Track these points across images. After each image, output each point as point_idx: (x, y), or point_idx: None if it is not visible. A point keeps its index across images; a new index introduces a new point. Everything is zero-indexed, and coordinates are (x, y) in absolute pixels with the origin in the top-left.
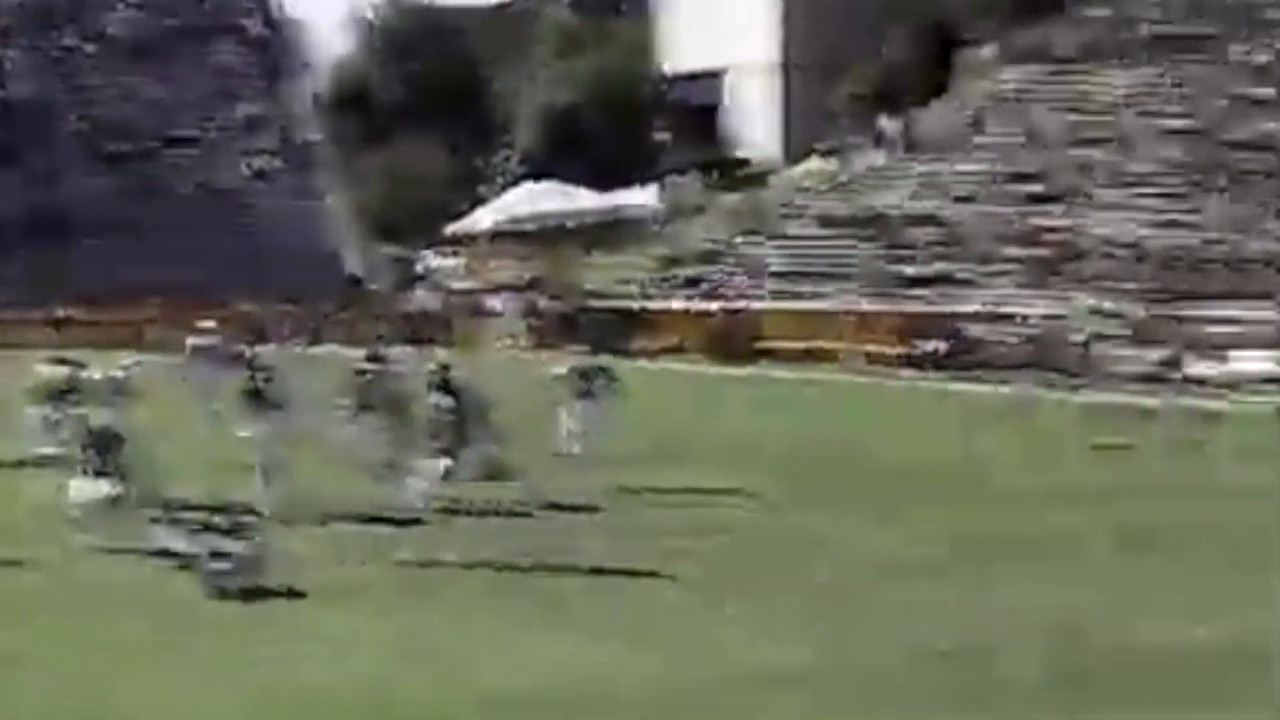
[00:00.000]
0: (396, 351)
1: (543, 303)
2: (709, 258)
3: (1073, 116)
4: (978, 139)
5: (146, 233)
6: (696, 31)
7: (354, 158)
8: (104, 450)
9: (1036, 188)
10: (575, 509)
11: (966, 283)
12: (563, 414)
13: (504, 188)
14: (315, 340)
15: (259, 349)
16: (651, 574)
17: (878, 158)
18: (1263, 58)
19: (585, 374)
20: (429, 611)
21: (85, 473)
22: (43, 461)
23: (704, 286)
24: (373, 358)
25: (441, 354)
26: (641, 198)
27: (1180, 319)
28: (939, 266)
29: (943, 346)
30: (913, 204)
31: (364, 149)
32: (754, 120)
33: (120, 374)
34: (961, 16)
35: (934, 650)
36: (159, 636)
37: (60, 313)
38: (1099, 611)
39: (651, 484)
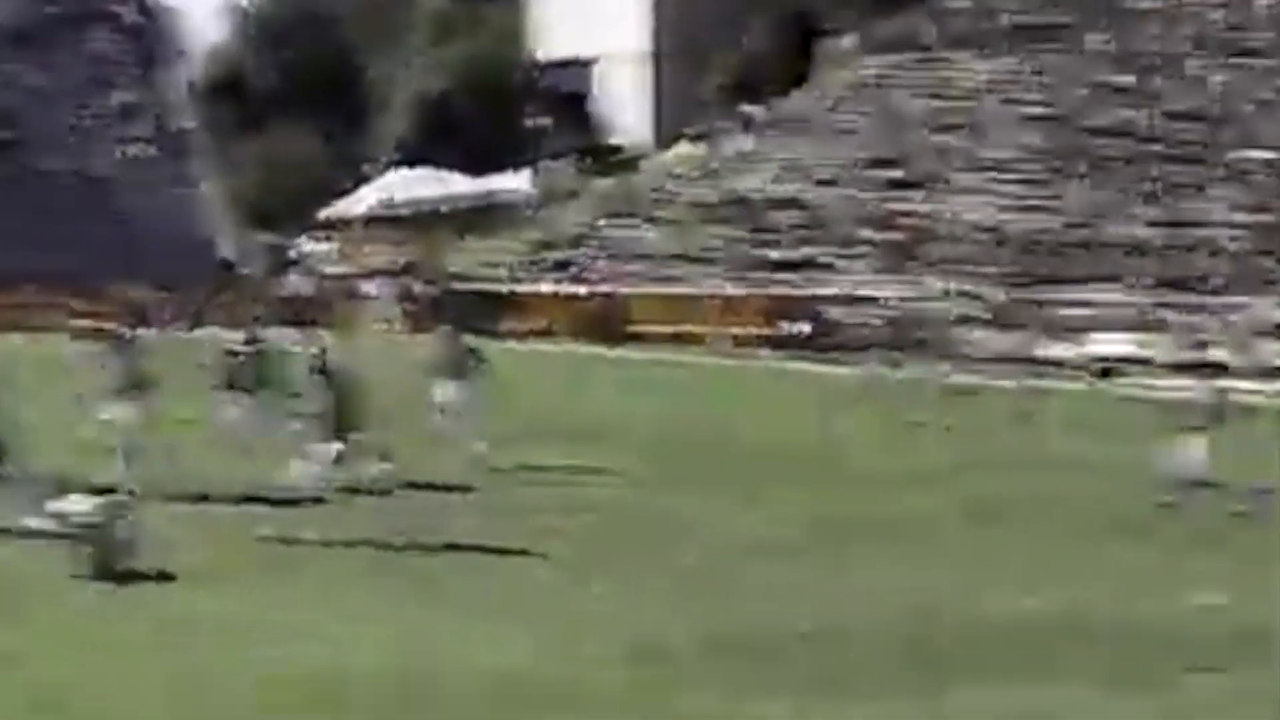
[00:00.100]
0: (279, 333)
1: (417, 287)
2: (580, 242)
3: (933, 104)
4: (839, 125)
5: (21, 219)
6: (568, 20)
7: (229, 145)
8: None
9: (897, 173)
10: (448, 489)
11: (828, 266)
12: (435, 395)
13: (378, 174)
14: (196, 324)
15: (139, 332)
16: (522, 552)
17: (744, 143)
18: (1120, 46)
19: (454, 355)
20: (302, 590)
21: None
22: None
23: (574, 270)
24: (250, 340)
25: (322, 338)
26: (514, 183)
27: (1039, 302)
28: (802, 250)
29: (806, 329)
30: (776, 189)
31: (238, 136)
32: (624, 107)
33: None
34: (822, 7)
35: (794, 630)
36: (25, 617)
37: None
38: (950, 588)
39: (522, 463)
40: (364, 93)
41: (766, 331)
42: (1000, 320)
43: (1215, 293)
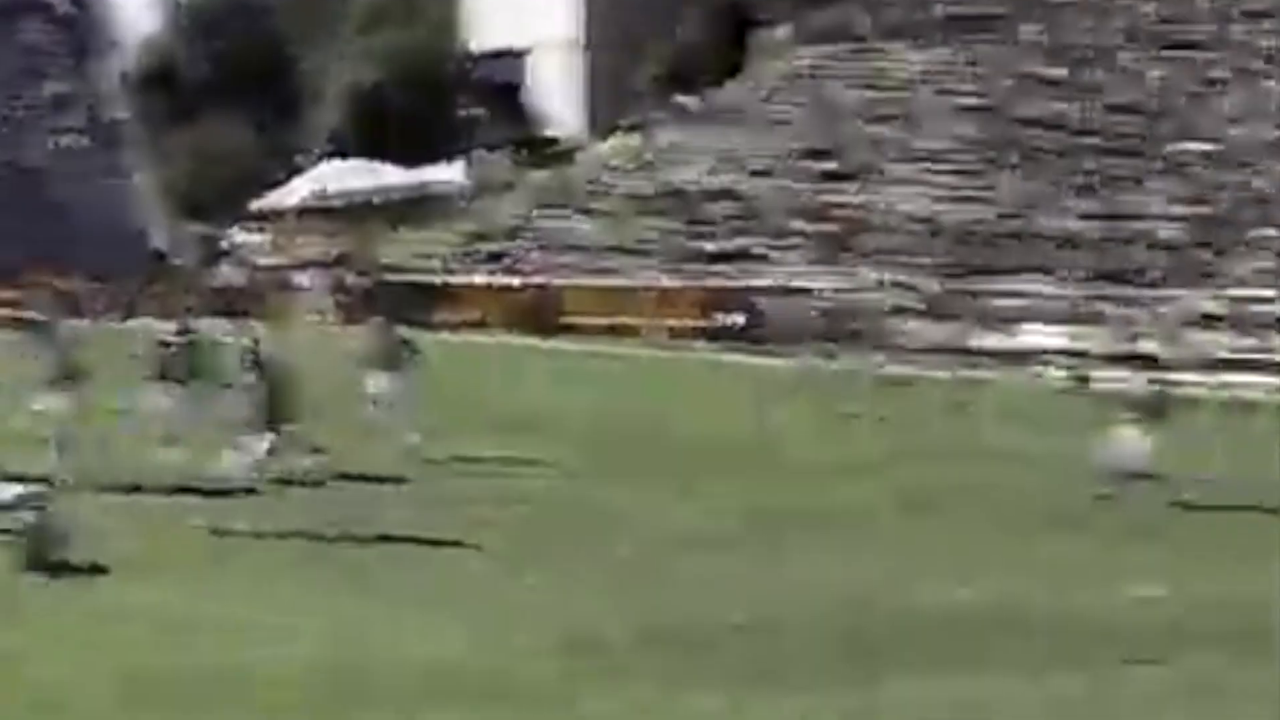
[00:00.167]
0: (211, 324)
1: (350, 278)
2: (514, 233)
3: (867, 94)
4: (774, 116)
5: None
6: (501, 10)
7: (161, 136)
8: None
9: (831, 164)
10: (380, 480)
11: (763, 258)
12: (368, 387)
13: (310, 165)
14: (129, 315)
15: (66, 323)
16: (455, 544)
17: (679, 134)
18: (1053, 38)
19: (386, 346)
20: (235, 582)
21: None
22: None
23: (508, 261)
24: (182, 331)
25: (255, 329)
26: (448, 174)
27: (973, 293)
28: (737, 242)
29: (740, 321)
30: (711, 180)
31: (171, 127)
32: (557, 98)
33: None
34: None
35: (728, 622)
36: None
37: None
38: (884, 580)
39: (456, 455)
40: (296, 84)
41: (701, 323)
42: (934, 311)
43: (1152, 285)
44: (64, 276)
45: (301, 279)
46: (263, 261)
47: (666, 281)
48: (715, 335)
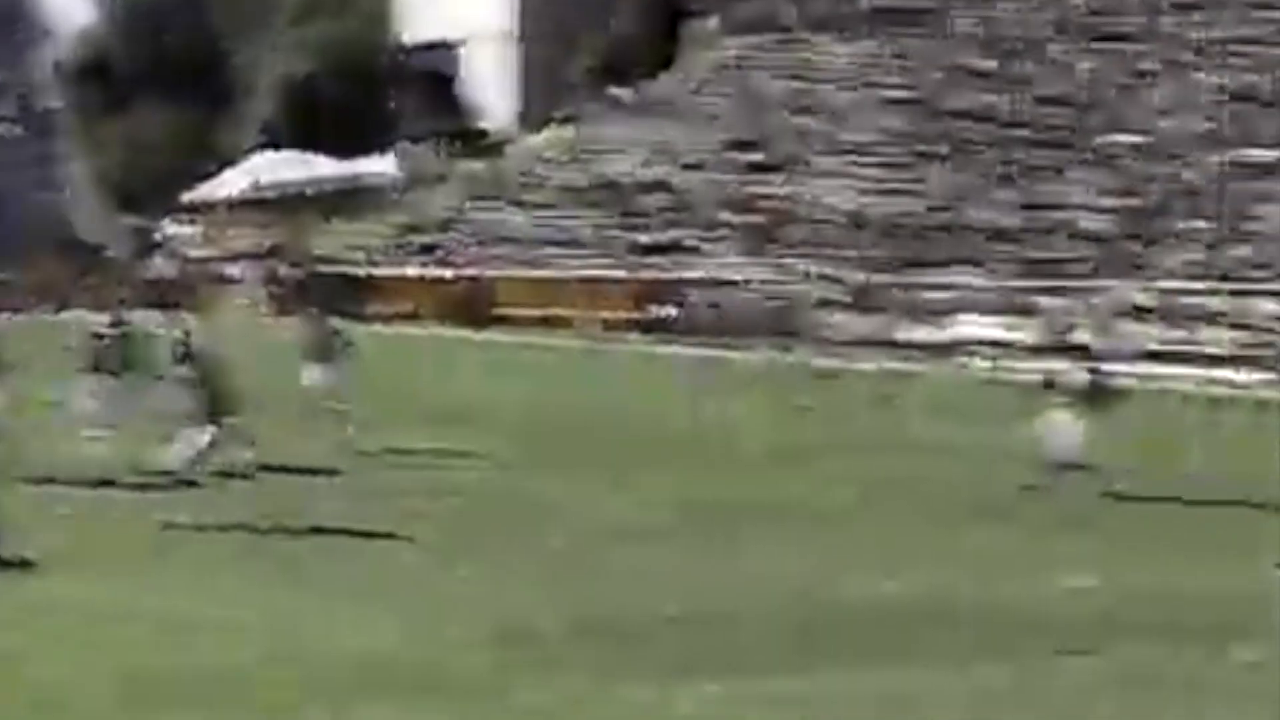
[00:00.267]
0: (144, 315)
1: (283, 270)
2: (447, 225)
3: (795, 86)
4: (704, 108)
5: None
6: (434, 2)
7: (94, 126)
8: None
9: (759, 156)
10: (314, 472)
11: (694, 250)
12: (302, 379)
13: (242, 157)
14: (62, 306)
15: None
16: (388, 536)
17: (611, 126)
18: (982, 30)
19: (320, 338)
20: (170, 576)
21: None
22: None
23: (440, 253)
24: (115, 323)
25: (187, 321)
26: (380, 166)
27: (900, 286)
28: (669, 234)
29: (673, 313)
30: (645, 172)
31: (105, 117)
32: (490, 89)
33: None
34: None
35: (660, 614)
36: None
37: None
38: (814, 572)
39: (389, 447)
40: (229, 76)
41: (634, 315)
42: (861, 303)
43: (1081, 276)
44: None
45: (234, 270)
46: (195, 253)
47: (599, 273)
48: (648, 327)
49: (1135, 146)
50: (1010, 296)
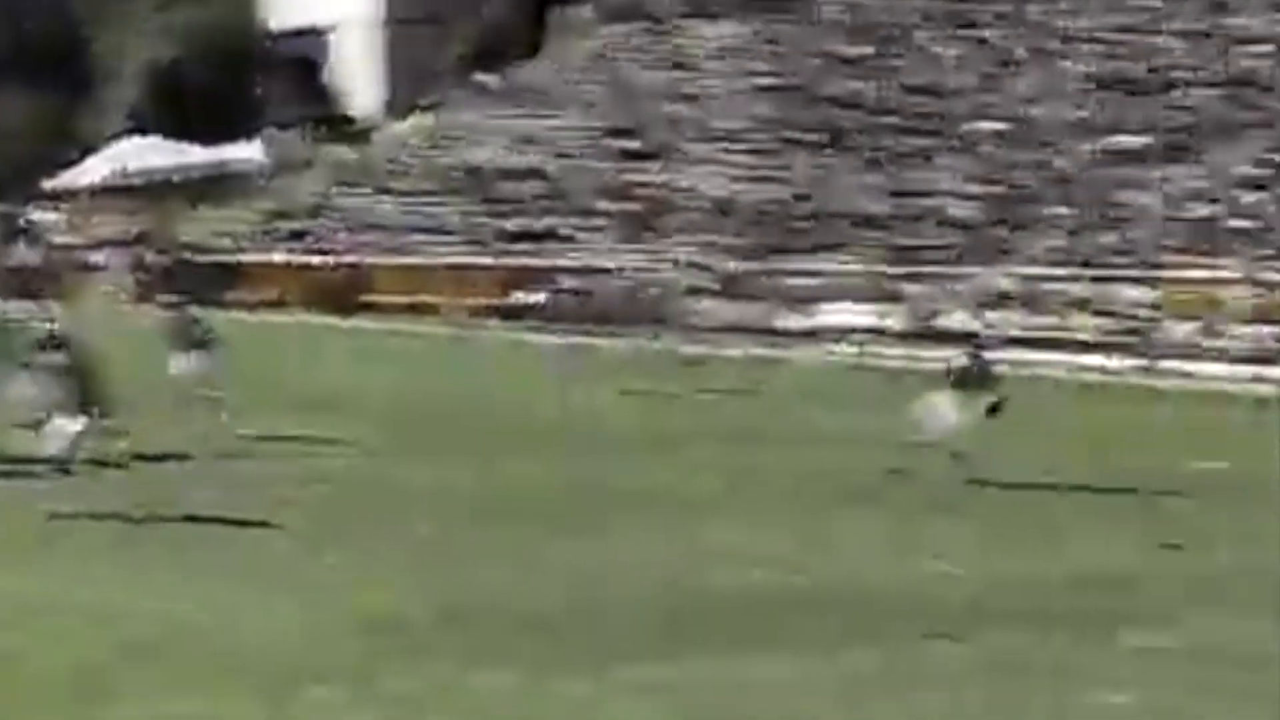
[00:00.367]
0: (6, 304)
1: (149, 257)
2: (314, 212)
3: (667, 73)
4: (576, 95)
5: None
6: None
7: None
8: None
9: (632, 143)
10: (183, 459)
11: (566, 237)
12: (170, 366)
13: (104, 144)
14: None
15: None
16: (259, 524)
17: (478, 113)
18: (852, 17)
19: (187, 326)
20: (40, 564)
21: None
22: None
23: (308, 240)
24: None
25: (52, 308)
26: (247, 153)
27: (770, 272)
28: (540, 221)
29: (542, 300)
30: (513, 159)
31: None
32: (358, 76)
33: None
34: None
35: (527, 601)
36: None
37: None
38: (680, 559)
39: (258, 434)
40: (93, 61)
41: (502, 302)
42: (730, 290)
43: (948, 263)
44: None
45: (99, 258)
46: (59, 240)
47: (467, 260)
48: (515, 314)
49: (1002, 134)
50: (878, 283)
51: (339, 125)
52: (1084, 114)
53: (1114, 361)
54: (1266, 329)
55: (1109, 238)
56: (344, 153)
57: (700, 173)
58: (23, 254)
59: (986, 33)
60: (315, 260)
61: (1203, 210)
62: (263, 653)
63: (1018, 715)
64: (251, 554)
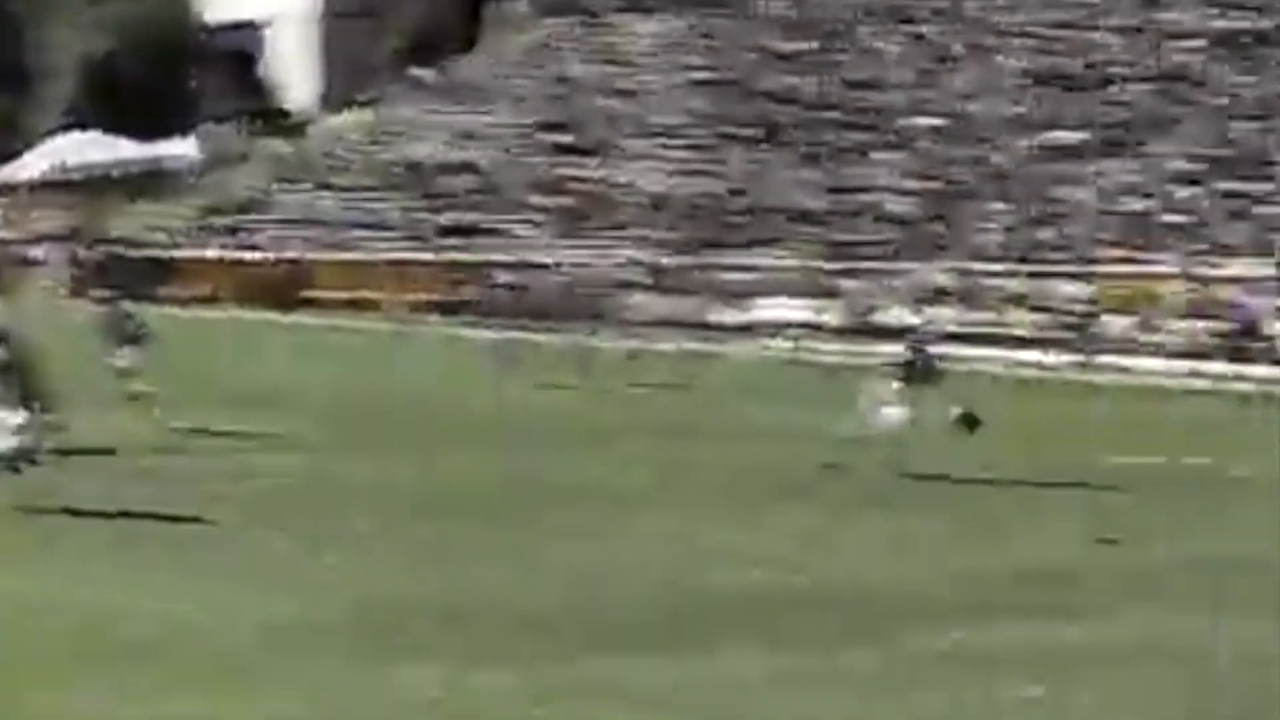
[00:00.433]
0: None
1: (83, 252)
2: (251, 206)
3: (603, 69)
4: (512, 90)
5: None
6: None
7: None
8: None
9: (568, 138)
10: (119, 455)
11: (503, 232)
12: (106, 361)
13: (39, 139)
14: None
15: None
16: (193, 520)
17: (414, 108)
18: (790, 12)
19: (120, 321)
20: None
21: None
22: None
23: (243, 235)
24: None
25: None
26: (182, 148)
27: (706, 267)
28: (476, 216)
29: (481, 295)
30: (452, 154)
31: None
32: (293, 69)
33: None
34: None
35: (459, 597)
36: None
37: None
38: (613, 554)
39: (193, 429)
40: (28, 56)
41: (441, 298)
42: (665, 285)
43: (885, 258)
44: None
45: (38, 253)
46: None
47: (406, 256)
48: (454, 309)
49: (939, 129)
50: (814, 278)
51: (275, 119)
52: (1020, 109)
53: (1051, 357)
54: (1201, 324)
55: (1046, 233)
56: (280, 147)
57: (637, 168)
58: None
59: (923, 29)
60: (250, 256)
61: (1138, 205)
62: (187, 648)
63: (946, 710)
64: (185, 551)
